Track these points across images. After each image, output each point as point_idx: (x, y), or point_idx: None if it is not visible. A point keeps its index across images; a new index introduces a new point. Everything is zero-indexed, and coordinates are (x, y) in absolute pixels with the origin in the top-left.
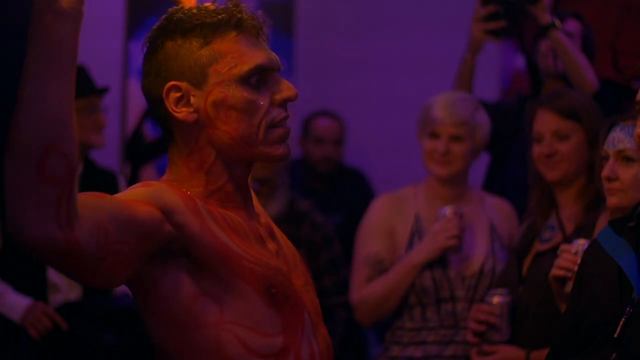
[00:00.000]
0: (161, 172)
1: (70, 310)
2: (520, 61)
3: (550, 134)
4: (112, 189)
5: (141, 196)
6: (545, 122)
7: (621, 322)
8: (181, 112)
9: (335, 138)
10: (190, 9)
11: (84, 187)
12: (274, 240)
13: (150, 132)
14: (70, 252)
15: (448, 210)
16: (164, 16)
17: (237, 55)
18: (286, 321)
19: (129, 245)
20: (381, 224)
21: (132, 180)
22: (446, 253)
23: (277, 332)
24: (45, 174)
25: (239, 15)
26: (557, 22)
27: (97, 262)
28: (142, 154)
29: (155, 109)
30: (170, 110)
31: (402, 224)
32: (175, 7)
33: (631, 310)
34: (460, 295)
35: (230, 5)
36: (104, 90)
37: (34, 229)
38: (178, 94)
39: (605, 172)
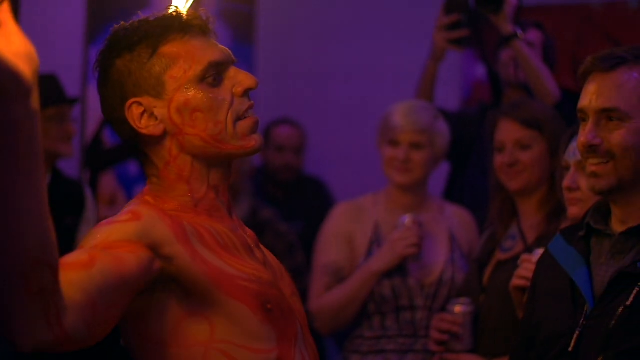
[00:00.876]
0: (121, 178)
1: None
2: (481, 70)
3: (512, 143)
4: (79, 200)
5: (130, 234)
6: (507, 131)
7: (575, 335)
8: (148, 127)
9: (296, 146)
10: (132, 23)
11: (51, 198)
12: (259, 250)
13: (109, 138)
14: (61, 344)
15: (407, 219)
16: (107, 37)
17: (189, 57)
18: (281, 335)
19: (120, 306)
20: (340, 233)
21: (91, 186)
22: (405, 261)
23: (271, 347)
24: (31, 288)
25: (182, 18)
26: (519, 31)
27: (89, 337)
28: (101, 161)
29: (121, 130)
30: (137, 128)
31: (362, 232)
32: (117, 26)
33: (585, 322)
34: (420, 303)
35: (171, 10)
36: (74, 101)
37: (25, 337)
38: (140, 110)
39: (566, 182)
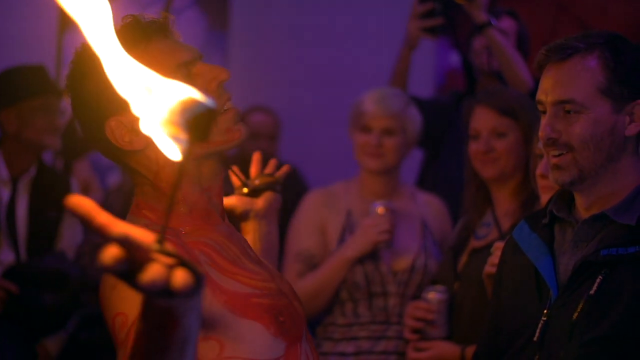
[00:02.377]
0: (95, 165)
1: (9, 274)
2: (455, 59)
3: (487, 131)
4: (64, 193)
5: None
6: (483, 119)
7: (540, 325)
8: (131, 143)
9: (270, 133)
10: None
11: (36, 190)
12: (260, 263)
13: (81, 129)
14: None
15: (379, 206)
16: (72, 60)
17: (154, 64)
18: (290, 341)
19: None
20: (313, 220)
21: (65, 174)
22: (378, 248)
23: (279, 355)
24: None
25: (141, 26)
26: (493, 20)
27: None
28: (75, 148)
29: (104, 148)
30: (120, 146)
31: (334, 220)
32: (79, 48)
33: (549, 312)
34: (392, 290)
35: (128, 20)
36: (61, 92)
37: None
38: (120, 127)
39: (539, 170)
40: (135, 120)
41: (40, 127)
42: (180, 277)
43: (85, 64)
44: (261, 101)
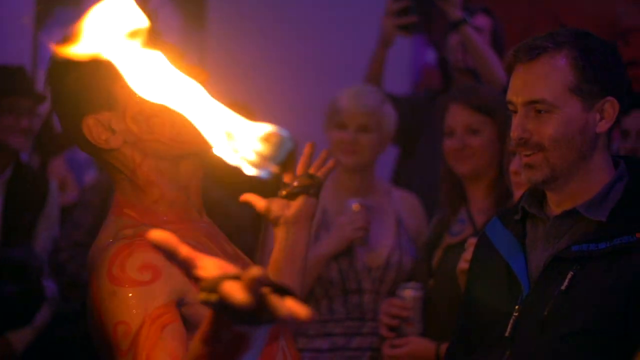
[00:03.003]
0: (70, 163)
1: None
2: (430, 56)
3: (462, 128)
4: (41, 195)
5: (162, 297)
6: (457, 116)
7: (511, 321)
8: (108, 142)
9: None
10: (74, 37)
11: (12, 192)
12: (230, 245)
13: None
14: None
15: (354, 203)
16: (52, 55)
17: None
18: (268, 340)
19: None
20: None
21: (42, 171)
22: (352, 245)
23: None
24: None
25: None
26: (467, 17)
27: None
28: (51, 146)
29: (82, 144)
30: (97, 145)
31: None
32: (58, 43)
33: (520, 307)
34: (367, 287)
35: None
36: (29, 94)
37: None
38: (97, 125)
39: (513, 167)
40: (111, 118)
41: (6, 126)
42: (293, 307)
43: (65, 60)
44: (238, 98)
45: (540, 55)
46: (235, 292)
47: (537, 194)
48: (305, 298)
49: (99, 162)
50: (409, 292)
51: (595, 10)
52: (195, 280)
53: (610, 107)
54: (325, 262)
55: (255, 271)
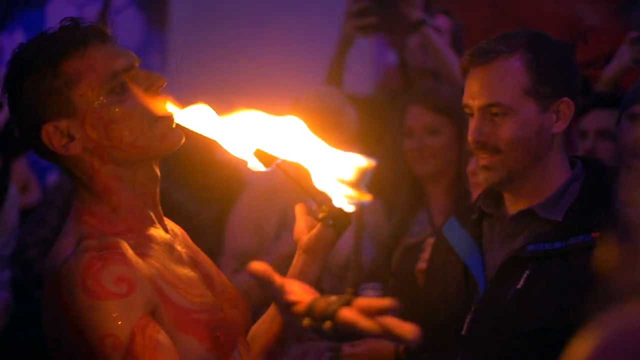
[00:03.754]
0: (33, 165)
1: None
2: (391, 57)
3: (421, 128)
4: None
5: (140, 307)
6: (417, 117)
7: (468, 319)
8: (66, 149)
9: None
10: (32, 43)
11: None
12: (189, 249)
13: (18, 130)
14: None
15: (314, 203)
16: (10, 61)
17: (91, 71)
18: (222, 354)
19: None
20: (249, 217)
21: (4, 173)
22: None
23: None
24: None
25: (79, 31)
26: (427, 18)
27: None
28: (13, 147)
29: (40, 151)
30: (56, 152)
31: (270, 217)
32: (18, 48)
33: (477, 306)
34: (327, 287)
35: (67, 24)
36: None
37: None
38: (56, 132)
39: (470, 167)
40: (70, 125)
41: None
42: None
43: (23, 65)
44: (200, 98)
45: (495, 59)
46: (359, 320)
47: (494, 194)
48: (265, 298)
49: (59, 167)
50: (369, 292)
51: (555, 10)
52: (287, 305)
53: (566, 107)
54: (285, 262)
55: (372, 301)
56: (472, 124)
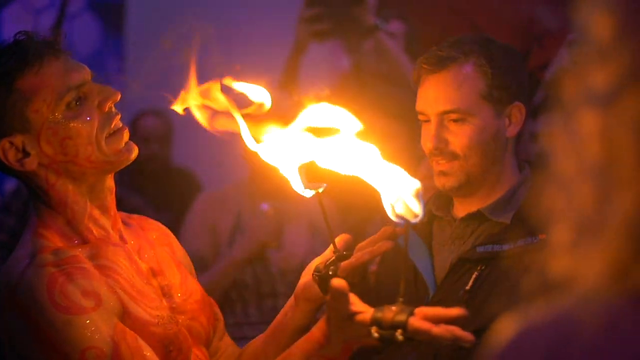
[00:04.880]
0: None
1: None
2: (345, 62)
3: (378, 133)
4: None
5: (113, 315)
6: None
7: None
8: (22, 164)
9: (161, 136)
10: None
11: None
12: (156, 276)
13: None
14: None
15: (267, 207)
16: None
17: (46, 86)
18: None
19: None
20: (203, 221)
21: None
22: (266, 249)
23: None
24: None
25: (33, 47)
26: (381, 23)
27: None
28: None
29: (2, 168)
30: (12, 167)
31: (224, 221)
32: None
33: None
34: (281, 290)
35: (22, 39)
36: None
37: None
38: (12, 149)
39: (421, 172)
40: (25, 141)
41: None
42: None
43: None
44: (158, 105)
45: (451, 65)
46: (432, 328)
47: (443, 197)
48: (220, 301)
49: (17, 179)
50: None
51: (511, 14)
52: (351, 315)
53: (518, 111)
54: (239, 265)
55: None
56: (429, 130)
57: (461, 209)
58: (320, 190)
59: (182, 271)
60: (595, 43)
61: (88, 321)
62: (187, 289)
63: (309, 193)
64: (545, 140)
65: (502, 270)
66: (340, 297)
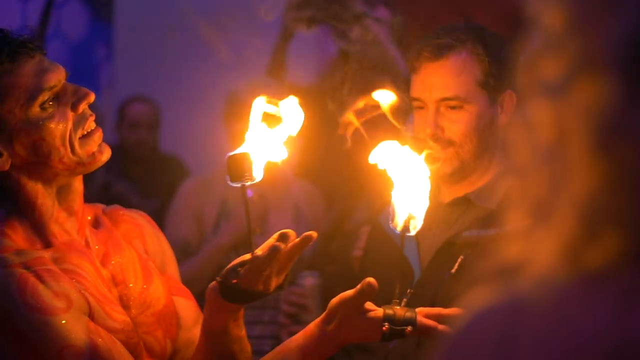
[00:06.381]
0: None
1: None
2: (332, 48)
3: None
4: None
5: (84, 313)
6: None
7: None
8: None
9: (149, 122)
10: None
11: None
12: (116, 285)
13: None
14: None
15: (251, 193)
16: None
17: (19, 87)
18: None
19: None
20: (188, 208)
21: None
22: (251, 235)
23: None
24: None
25: (7, 46)
26: (368, 10)
27: None
28: None
29: None
30: None
31: (209, 207)
32: None
33: (412, 290)
34: None
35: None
36: None
37: None
38: None
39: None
40: None
41: None
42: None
43: None
44: (146, 91)
45: (449, 53)
46: (437, 325)
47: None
48: (205, 287)
49: None
50: (307, 281)
51: (499, 2)
52: (365, 311)
53: (509, 99)
54: (224, 252)
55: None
56: (426, 117)
57: (447, 194)
58: (247, 183)
59: (147, 275)
60: (547, 33)
61: (64, 321)
62: (147, 299)
63: (234, 184)
64: (506, 129)
65: (487, 254)
66: (371, 293)
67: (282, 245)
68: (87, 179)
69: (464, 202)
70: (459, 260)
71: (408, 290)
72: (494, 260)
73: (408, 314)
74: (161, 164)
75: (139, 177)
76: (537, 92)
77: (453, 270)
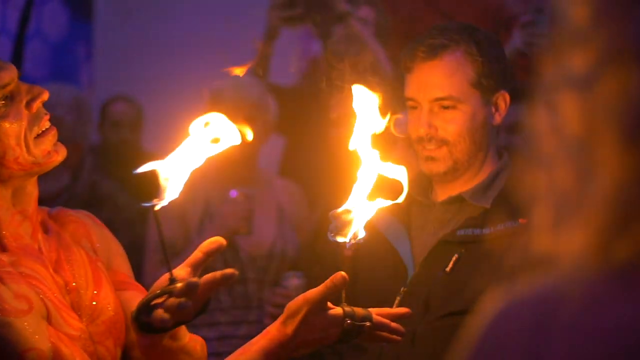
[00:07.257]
0: None
1: None
2: (316, 47)
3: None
4: None
5: (44, 321)
6: (345, 107)
7: (396, 301)
8: None
9: (131, 122)
10: None
11: None
12: (69, 293)
13: None
14: None
15: (236, 193)
16: None
17: None
18: None
19: None
20: (172, 208)
21: None
22: (236, 235)
23: None
24: None
25: None
26: (351, 9)
27: None
28: None
29: None
30: None
31: (193, 208)
32: None
33: (405, 289)
34: (251, 276)
35: None
36: None
37: None
38: None
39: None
40: None
41: None
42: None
43: None
44: (127, 91)
45: (443, 53)
46: (390, 323)
47: (422, 181)
48: None
49: None
50: (292, 281)
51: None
52: (325, 309)
53: (502, 100)
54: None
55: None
56: (419, 117)
57: (441, 193)
58: (157, 207)
59: (97, 279)
60: (573, 26)
61: (26, 323)
62: (97, 306)
63: (146, 205)
64: (527, 121)
65: (482, 253)
66: (341, 287)
67: (199, 282)
68: (73, 179)
69: (458, 201)
70: (454, 258)
71: (402, 289)
72: (520, 253)
73: (364, 311)
74: (144, 164)
75: (124, 177)
76: (564, 86)
77: (448, 269)
